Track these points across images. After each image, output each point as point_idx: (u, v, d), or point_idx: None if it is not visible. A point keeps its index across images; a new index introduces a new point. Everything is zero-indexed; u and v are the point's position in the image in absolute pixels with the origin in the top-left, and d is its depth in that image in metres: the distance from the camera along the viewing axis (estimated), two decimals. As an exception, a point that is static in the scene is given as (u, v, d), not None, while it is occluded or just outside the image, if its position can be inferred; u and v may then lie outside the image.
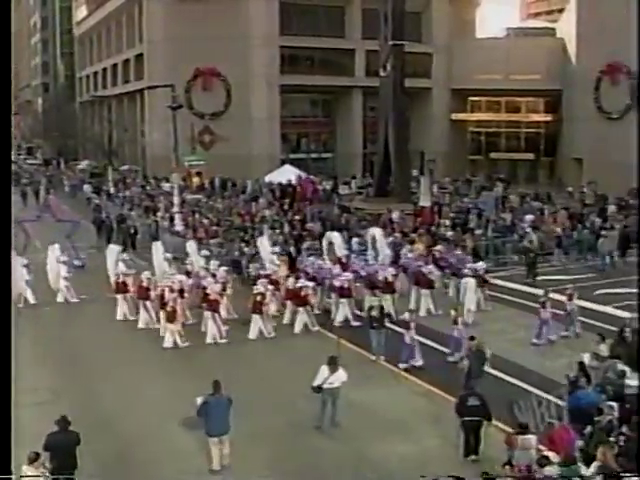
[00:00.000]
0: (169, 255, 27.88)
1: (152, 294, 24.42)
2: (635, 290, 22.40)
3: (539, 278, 29.55)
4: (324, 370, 16.44)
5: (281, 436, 16.19)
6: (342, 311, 24.47)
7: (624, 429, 13.70)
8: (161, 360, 21.63)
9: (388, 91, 44.43)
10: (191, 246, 29.11)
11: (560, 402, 15.82)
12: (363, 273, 26.31)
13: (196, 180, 55.50)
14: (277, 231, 35.37)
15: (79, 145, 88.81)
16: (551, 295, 23.33)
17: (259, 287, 23.72)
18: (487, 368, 18.22)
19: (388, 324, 22.01)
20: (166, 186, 49.26)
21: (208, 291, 23.64)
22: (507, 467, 13.14)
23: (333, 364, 16.48)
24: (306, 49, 63.19)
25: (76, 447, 13.40)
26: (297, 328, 23.82)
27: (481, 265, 27.08)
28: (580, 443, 13.65)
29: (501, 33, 72.85)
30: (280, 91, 61.65)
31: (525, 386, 18.29)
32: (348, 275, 25.22)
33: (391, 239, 31.31)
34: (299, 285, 24.28)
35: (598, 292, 26.75)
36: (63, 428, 13.61)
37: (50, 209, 41.73)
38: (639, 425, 13.46)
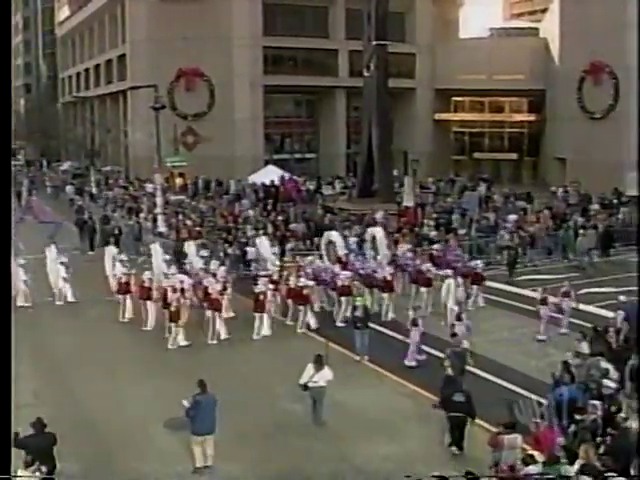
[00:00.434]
0: (167, 256, 27.91)
1: (154, 294, 24.49)
2: (617, 289, 22.52)
3: (521, 278, 29.63)
4: (309, 368, 16.62)
5: (266, 436, 16.13)
6: (343, 310, 24.57)
7: (608, 429, 13.73)
8: (156, 360, 21.59)
9: (372, 91, 44.41)
10: (190, 247, 29.18)
11: (543, 400, 15.82)
12: (362, 272, 26.49)
13: (179, 181, 55.28)
14: (261, 232, 35.24)
15: (61, 146, 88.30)
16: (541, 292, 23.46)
17: (260, 286, 23.89)
18: (468, 367, 18.21)
19: (372, 324, 22.00)
20: (149, 187, 48.98)
21: (210, 290, 23.71)
22: (494, 468, 13.15)
23: (319, 363, 16.68)
24: (289, 49, 63.02)
25: (53, 448, 13.32)
26: (299, 328, 23.91)
27: (479, 263, 27.40)
28: (561, 440, 13.67)
29: (484, 33, 73.01)
30: (263, 91, 61.44)
31: (509, 385, 18.33)
32: (348, 274, 25.37)
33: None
34: (301, 284, 24.39)
35: (581, 291, 26.79)
36: (39, 430, 13.51)
37: (32, 210, 41.62)
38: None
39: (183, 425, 15.06)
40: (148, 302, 24.56)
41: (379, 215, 37.78)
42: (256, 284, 24.23)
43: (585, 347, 18.08)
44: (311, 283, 24.78)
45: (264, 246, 29.46)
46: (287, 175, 53.46)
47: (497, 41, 68.18)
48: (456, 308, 23.80)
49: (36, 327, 24.41)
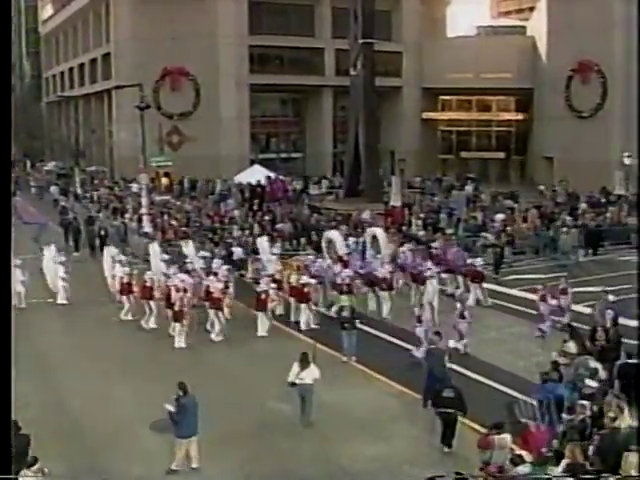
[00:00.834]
0: (166, 256, 27.94)
1: (156, 294, 24.48)
2: (604, 288, 22.49)
3: (508, 278, 29.57)
4: (295, 367, 16.72)
5: (254, 437, 16.04)
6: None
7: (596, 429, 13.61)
8: (148, 361, 21.38)
9: (358, 90, 44.27)
10: (189, 248, 29.23)
11: (530, 400, 15.68)
12: (362, 271, 26.63)
13: (165, 181, 55.11)
14: (247, 232, 35.04)
15: (46, 146, 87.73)
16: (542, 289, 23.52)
17: (262, 285, 24.11)
18: (448, 365, 18.04)
19: (359, 325, 21.86)
20: (134, 187, 48.66)
21: (211, 289, 23.70)
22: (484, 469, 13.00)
23: (304, 361, 16.76)
24: (276, 48, 62.80)
25: (28, 450, 13.14)
26: (303, 325, 24.00)
27: (479, 261, 27.43)
28: (555, 443, 13.53)
29: (472, 31, 72.80)
30: (249, 90, 61.16)
31: (497, 385, 18.23)
32: (349, 272, 25.45)
33: (362, 239, 31.11)
34: (302, 282, 24.45)
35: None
36: (14, 432, 13.25)
37: (17, 211, 41.16)
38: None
39: (169, 427, 14.95)
40: (151, 302, 24.62)
41: (366, 215, 37.63)
42: (258, 283, 24.55)
43: (572, 347, 18.03)
44: (313, 281, 24.88)
45: (263, 247, 29.52)
46: (273, 175, 53.19)
47: (484, 39, 68.06)
48: (436, 305, 23.84)
49: (29, 328, 24.15)
